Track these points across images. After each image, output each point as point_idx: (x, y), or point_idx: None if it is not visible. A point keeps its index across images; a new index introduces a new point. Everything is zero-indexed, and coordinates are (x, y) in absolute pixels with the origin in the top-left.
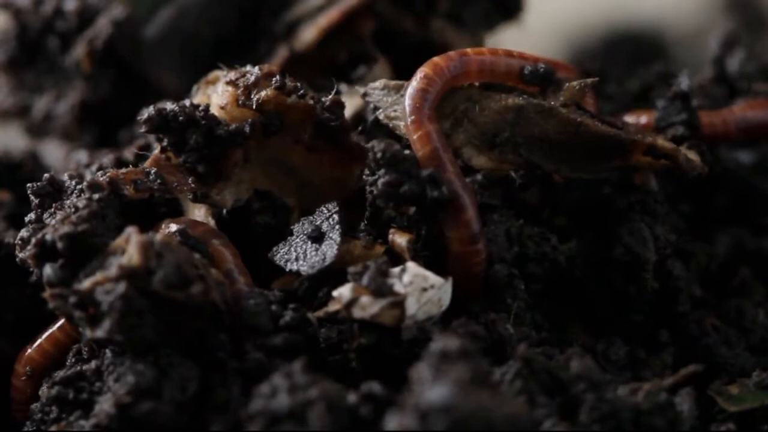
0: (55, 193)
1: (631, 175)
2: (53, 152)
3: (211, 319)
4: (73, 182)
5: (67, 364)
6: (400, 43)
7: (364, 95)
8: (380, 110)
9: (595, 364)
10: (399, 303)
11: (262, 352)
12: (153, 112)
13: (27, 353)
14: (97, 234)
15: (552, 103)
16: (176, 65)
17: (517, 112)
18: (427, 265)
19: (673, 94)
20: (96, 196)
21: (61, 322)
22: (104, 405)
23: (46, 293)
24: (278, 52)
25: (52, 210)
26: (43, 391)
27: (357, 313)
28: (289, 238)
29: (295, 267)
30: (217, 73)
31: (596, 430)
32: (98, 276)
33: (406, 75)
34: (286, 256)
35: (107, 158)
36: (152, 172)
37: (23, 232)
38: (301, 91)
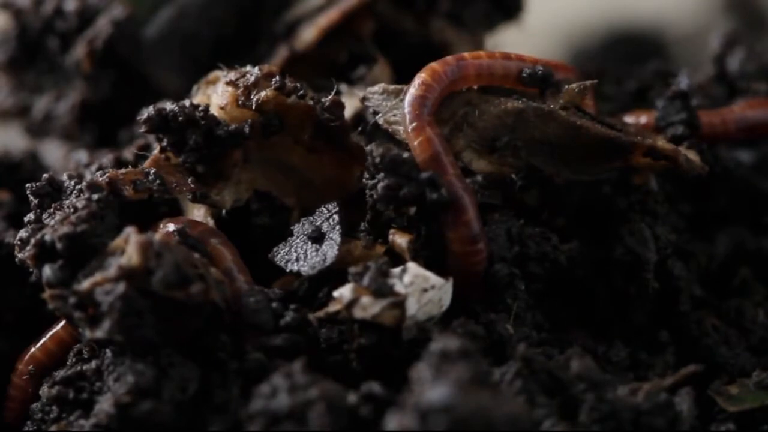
0: (54, 193)
1: (630, 175)
2: (53, 152)
3: (211, 319)
4: (73, 182)
5: (68, 363)
6: (400, 43)
7: (363, 99)
8: (380, 115)
9: (595, 364)
10: (399, 303)
11: (262, 353)
12: (153, 112)
13: (31, 352)
14: (96, 234)
15: (551, 106)
16: (176, 65)
17: (516, 116)
18: (428, 266)
19: (673, 94)
20: (95, 196)
21: (65, 321)
22: (104, 405)
23: (46, 294)
24: (278, 52)
25: (51, 210)
26: (44, 390)
27: (357, 313)
28: (289, 238)
29: (295, 267)
30: (217, 73)
31: (596, 430)
32: (98, 276)
33: (406, 75)
34: (286, 257)
35: (107, 158)
36: (151, 172)
37: (22, 233)
38: (301, 92)
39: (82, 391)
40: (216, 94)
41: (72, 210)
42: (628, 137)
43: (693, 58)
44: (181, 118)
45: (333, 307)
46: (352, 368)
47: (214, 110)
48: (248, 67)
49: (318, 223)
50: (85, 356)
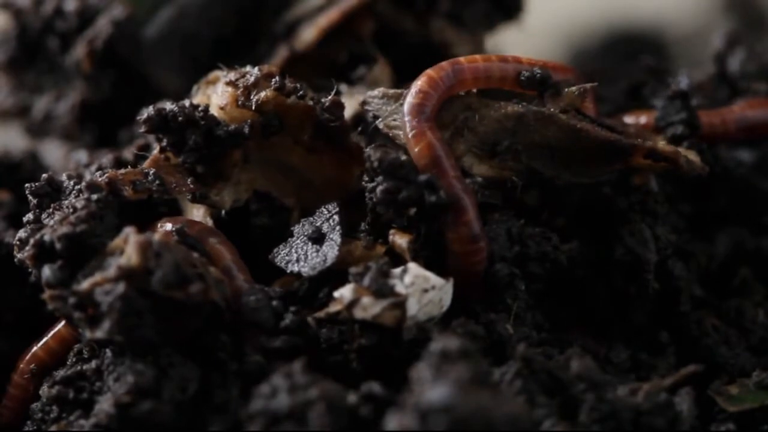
0: (53, 193)
1: (630, 175)
2: (53, 152)
3: (211, 318)
4: (72, 182)
5: (68, 363)
6: (400, 43)
7: (363, 104)
8: (380, 119)
9: (594, 364)
10: (400, 304)
11: (261, 355)
12: (152, 112)
13: (33, 351)
14: (95, 234)
15: (551, 109)
16: (176, 65)
17: (516, 120)
18: (428, 266)
19: (673, 94)
20: (95, 196)
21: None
22: (104, 405)
23: (46, 294)
24: (278, 52)
25: (51, 210)
26: (44, 390)
27: (358, 313)
28: (289, 239)
29: (296, 268)
30: (217, 73)
31: (596, 430)
32: (97, 277)
33: (406, 75)
34: (286, 258)
35: (107, 158)
36: (151, 172)
37: (21, 233)
38: (301, 92)
39: (82, 391)
40: (216, 94)
41: (71, 210)
42: (628, 140)
43: (693, 58)
44: (180, 118)
45: (333, 308)
46: (352, 368)
47: (213, 110)
48: (248, 68)
49: (318, 224)
50: (85, 356)
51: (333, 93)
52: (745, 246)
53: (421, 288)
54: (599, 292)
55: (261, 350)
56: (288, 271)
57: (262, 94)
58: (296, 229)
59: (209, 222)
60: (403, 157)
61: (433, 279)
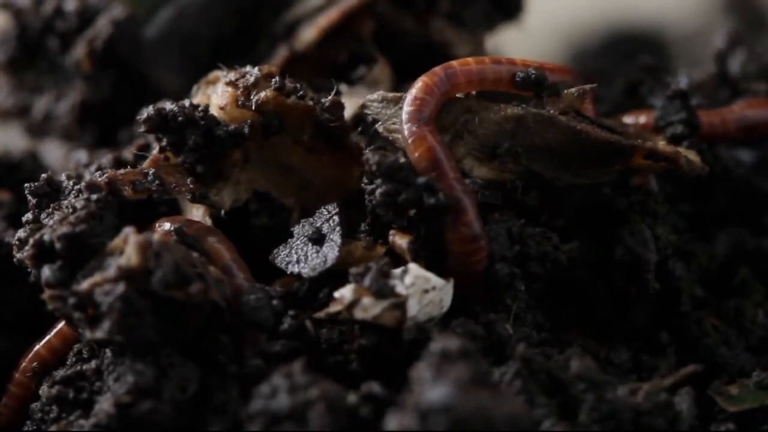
0: (52, 193)
1: (630, 176)
2: (53, 152)
3: (211, 318)
4: (71, 182)
5: (68, 363)
6: (400, 43)
7: (363, 107)
8: (379, 123)
9: (594, 365)
10: (400, 304)
11: (261, 359)
12: (152, 112)
13: (35, 349)
14: (95, 235)
15: (551, 111)
16: (176, 65)
17: (516, 122)
18: (428, 266)
19: (672, 93)
20: (94, 196)
21: None
22: (104, 404)
23: (45, 295)
24: (278, 52)
25: (50, 210)
26: (44, 390)
27: (358, 314)
28: (289, 240)
29: (296, 269)
30: (217, 73)
31: (596, 430)
32: (97, 277)
33: (406, 75)
34: (287, 259)
35: (106, 158)
36: (151, 172)
37: (20, 233)
38: (301, 92)
39: (82, 391)
40: (216, 95)
41: (71, 210)
42: (628, 140)
43: (693, 58)
44: (180, 118)
45: (334, 308)
46: (352, 369)
47: (213, 110)
48: (248, 68)
49: (318, 225)
50: (85, 356)
51: (333, 93)
52: (745, 246)
53: (422, 288)
54: (599, 293)
55: (260, 354)
56: (288, 272)
57: (262, 94)
58: (296, 229)
59: (208, 222)
60: (402, 160)
61: (434, 279)
